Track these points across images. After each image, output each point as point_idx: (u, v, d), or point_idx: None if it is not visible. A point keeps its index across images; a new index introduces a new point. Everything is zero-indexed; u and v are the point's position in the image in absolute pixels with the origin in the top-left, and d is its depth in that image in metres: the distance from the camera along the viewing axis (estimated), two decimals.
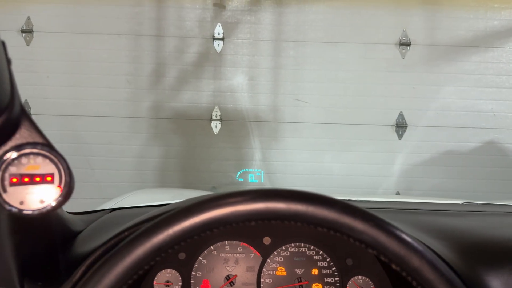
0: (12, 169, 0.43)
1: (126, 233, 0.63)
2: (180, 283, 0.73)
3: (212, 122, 2.58)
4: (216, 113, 2.57)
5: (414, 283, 0.47)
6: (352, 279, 0.73)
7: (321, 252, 0.74)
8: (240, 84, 2.57)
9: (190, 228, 0.47)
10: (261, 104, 2.57)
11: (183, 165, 2.61)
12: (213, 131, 2.58)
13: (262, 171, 2.58)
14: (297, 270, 0.73)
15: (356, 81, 2.58)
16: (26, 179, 0.43)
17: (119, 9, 2.49)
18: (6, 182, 0.43)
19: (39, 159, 0.44)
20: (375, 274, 0.73)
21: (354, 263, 0.73)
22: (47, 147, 0.45)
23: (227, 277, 0.73)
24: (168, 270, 0.74)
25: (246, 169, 2.58)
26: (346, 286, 0.73)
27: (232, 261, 0.74)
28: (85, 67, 2.52)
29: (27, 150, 0.44)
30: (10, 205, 0.43)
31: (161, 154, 2.58)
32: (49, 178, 0.44)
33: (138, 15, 2.52)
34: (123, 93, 2.54)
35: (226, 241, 0.75)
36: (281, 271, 0.73)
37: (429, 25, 2.58)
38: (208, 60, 2.55)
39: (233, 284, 0.73)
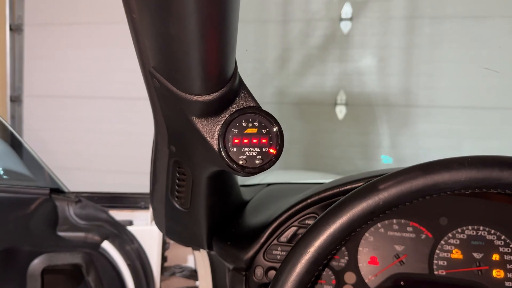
0: (234, 131, 0.47)
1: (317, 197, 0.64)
2: (347, 257, 0.71)
3: (336, 106, 2.50)
4: (341, 97, 2.49)
5: None
6: None
7: (503, 237, 0.67)
8: (368, 66, 2.44)
9: (408, 191, 0.44)
10: (391, 87, 2.41)
11: (305, 151, 2.59)
12: (337, 116, 2.51)
13: (391, 159, 2.44)
14: (475, 255, 0.67)
15: (503, 60, 2.27)
16: (246, 141, 0.48)
17: None
18: (230, 143, 0.47)
19: (257, 123, 0.48)
20: None
21: None
22: (263, 112, 0.48)
23: (397, 256, 0.70)
24: None
25: (384, 156, 2.46)
26: None
27: (401, 241, 0.71)
28: None
29: (247, 114, 0.48)
30: (233, 162, 0.47)
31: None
32: (264, 141, 0.48)
33: (264, 1, 2.54)
34: (248, 80, 2.58)
35: (394, 220, 0.72)
36: (457, 254, 0.68)
37: None
38: (333, 43, 2.47)
39: (403, 263, 0.70)
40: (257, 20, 2.55)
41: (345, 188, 0.66)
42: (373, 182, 0.49)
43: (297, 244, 0.50)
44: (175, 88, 0.43)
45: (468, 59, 2.31)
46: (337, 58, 2.48)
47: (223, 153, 0.47)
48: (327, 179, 0.79)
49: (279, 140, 0.48)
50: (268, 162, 0.48)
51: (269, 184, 0.93)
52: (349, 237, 0.49)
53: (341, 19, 2.45)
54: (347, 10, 2.44)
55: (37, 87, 2.88)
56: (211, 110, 0.46)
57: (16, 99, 2.88)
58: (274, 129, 0.48)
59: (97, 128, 2.75)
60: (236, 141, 0.48)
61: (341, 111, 2.50)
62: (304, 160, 2.59)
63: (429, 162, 0.48)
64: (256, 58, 2.57)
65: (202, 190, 0.59)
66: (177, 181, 0.62)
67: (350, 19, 2.44)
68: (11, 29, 2.81)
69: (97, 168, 2.75)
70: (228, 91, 0.45)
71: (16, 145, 0.91)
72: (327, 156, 2.55)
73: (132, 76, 2.55)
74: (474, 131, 2.32)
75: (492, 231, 0.67)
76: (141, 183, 0.97)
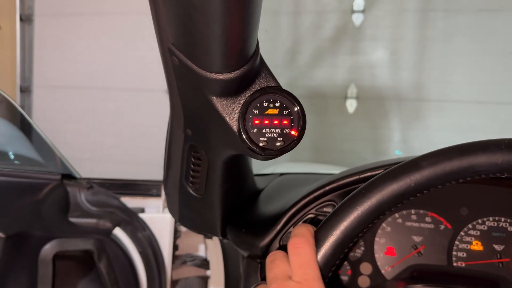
0: (255, 111, 0.46)
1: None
2: (363, 248, 0.70)
3: (347, 100, 2.47)
4: (351, 90, 2.46)
5: None
6: None
7: None
8: (380, 59, 2.41)
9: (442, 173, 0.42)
10: (403, 81, 2.38)
11: (315, 144, 2.57)
12: (347, 110, 2.48)
13: (401, 154, 2.41)
14: (496, 246, 0.66)
15: None
16: (266, 122, 0.46)
17: None
18: (250, 123, 0.45)
19: (278, 103, 0.46)
20: None
21: None
22: (285, 92, 0.46)
23: (414, 247, 0.68)
24: None
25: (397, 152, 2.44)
26: None
27: (419, 231, 0.69)
28: None
29: (269, 94, 0.46)
30: (253, 144, 0.45)
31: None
32: (285, 122, 0.46)
33: None
34: None
35: (413, 210, 0.70)
36: (477, 246, 0.66)
37: None
38: (345, 35, 2.44)
39: (421, 254, 0.68)
40: (268, 12, 2.52)
41: (365, 175, 0.64)
42: (405, 163, 0.47)
43: (322, 225, 0.48)
44: (195, 65, 0.42)
45: (482, 53, 2.27)
46: (348, 50, 2.45)
47: (243, 134, 0.45)
48: (339, 171, 0.77)
49: (301, 122, 0.46)
50: (290, 144, 0.46)
51: (282, 174, 0.92)
52: (377, 219, 0.47)
53: (353, 11, 2.42)
54: (359, 2, 2.40)
55: (47, 78, 2.88)
56: (231, 90, 0.45)
57: (26, 90, 2.89)
58: (296, 110, 0.46)
59: (107, 120, 2.75)
60: (256, 122, 0.46)
61: (351, 105, 2.47)
62: (314, 154, 2.57)
63: (464, 143, 0.46)
64: (266, 50, 2.54)
65: (218, 176, 0.58)
66: (192, 166, 0.61)
67: (362, 11, 2.41)
68: (21, 19, 2.81)
69: (107, 159, 2.76)
70: (250, 69, 0.43)
71: (27, 130, 0.90)
72: (337, 150, 2.53)
73: (143, 68, 2.54)
74: (487, 126, 2.28)
75: None
76: (153, 177, 0.96)
